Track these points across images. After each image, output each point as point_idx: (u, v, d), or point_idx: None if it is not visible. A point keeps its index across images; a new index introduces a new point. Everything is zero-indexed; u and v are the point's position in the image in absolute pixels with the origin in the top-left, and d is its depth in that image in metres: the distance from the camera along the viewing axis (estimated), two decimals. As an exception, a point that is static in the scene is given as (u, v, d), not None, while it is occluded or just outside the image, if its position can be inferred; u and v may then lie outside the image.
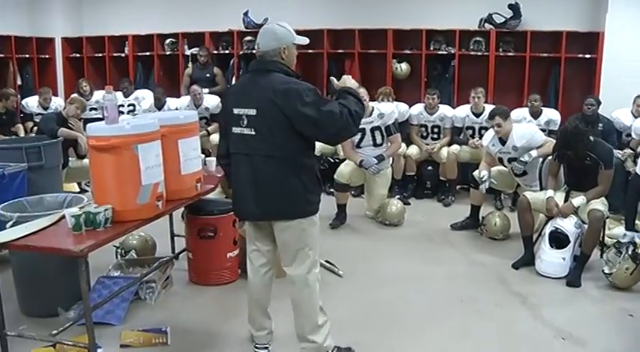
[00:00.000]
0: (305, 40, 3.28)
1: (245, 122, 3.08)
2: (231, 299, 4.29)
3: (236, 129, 3.13)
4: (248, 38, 8.69)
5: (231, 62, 8.89)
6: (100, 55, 9.45)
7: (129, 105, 8.21)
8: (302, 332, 3.30)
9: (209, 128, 7.73)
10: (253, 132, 3.07)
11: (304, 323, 3.30)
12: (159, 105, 7.75)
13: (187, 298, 4.32)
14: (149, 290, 4.20)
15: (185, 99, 7.91)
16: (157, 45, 9.14)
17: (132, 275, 4.33)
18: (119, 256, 4.72)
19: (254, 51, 8.42)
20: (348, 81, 3.28)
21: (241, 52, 8.75)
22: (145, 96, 8.20)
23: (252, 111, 3.06)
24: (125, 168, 3.30)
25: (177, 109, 7.63)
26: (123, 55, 9.38)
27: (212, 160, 4.84)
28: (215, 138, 7.55)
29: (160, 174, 3.50)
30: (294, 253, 3.23)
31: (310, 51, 8.33)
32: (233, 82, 8.66)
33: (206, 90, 8.09)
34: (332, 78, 3.43)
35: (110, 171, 3.32)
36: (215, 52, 8.92)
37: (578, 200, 4.78)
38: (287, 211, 3.15)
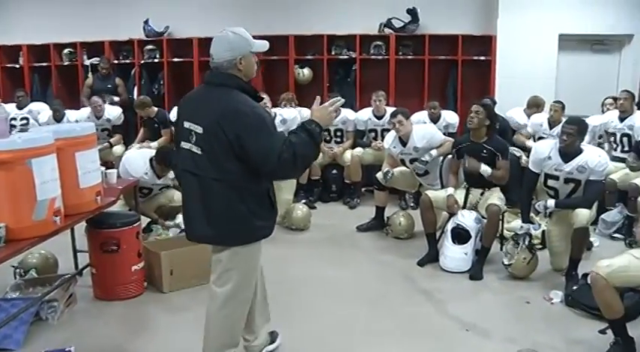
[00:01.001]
0: (265, 46, 2.99)
1: (194, 139, 2.85)
2: (138, 313, 4.22)
3: (185, 145, 2.90)
4: (149, 47, 8.56)
5: (133, 72, 8.69)
6: (-9, 66, 9.02)
7: (22, 119, 7.74)
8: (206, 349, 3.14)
9: (111, 140, 7.56)
10: (200, 152, 2.84)
11: (209, 342, 3.14)
12: (58, 117, 7.47)
13: (92, 315, 4.19)
14: (51, 309, 4.03)
15: (85, 111, 7.68)
16: (54, 55, 8.82)
17: (31, 295, 4.15)
18: (18, 276, 4.51)
19: (155, 60, 8.45)
20: (323, 110, 2.95)
21: (142, 62, 8.58)
22: (40, 110, 7.82)
23: (200, 129, 2.82)
24: (18, 183, 3.17)
25: (77, 122, 7.39)
26: (17, 65, 8.97)
27: (113, 172, 4.74)
28: (118, 150, 7.40)
29: (57, 188, 3.39)
30: (222, 271, 3.03)
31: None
32: (135, 92, 8.49)
33: (117, 98, 7.90)
34: (317, 98, 3.08)
35: (2, 187, 3.16)
36: (115, 61, 8.70)
37: (485, 167, 4.98)
38: (231, 237, 2.94)
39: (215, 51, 2.88)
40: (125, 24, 8.67)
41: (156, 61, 8.53)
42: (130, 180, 5.03)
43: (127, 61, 8.70)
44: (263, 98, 3.40)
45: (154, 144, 7.16)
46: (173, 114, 7.59)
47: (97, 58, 8.52)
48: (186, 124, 2.89)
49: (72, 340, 3.72)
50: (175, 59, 8.49)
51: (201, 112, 2.84)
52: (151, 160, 5.37)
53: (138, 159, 5.43)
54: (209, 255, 4.56)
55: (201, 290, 4.47)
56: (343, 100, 3.15)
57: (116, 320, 4.12)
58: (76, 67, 8.78)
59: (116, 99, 8.03)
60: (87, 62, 8.69)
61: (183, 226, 5.39)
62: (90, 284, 4.48)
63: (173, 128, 7.40)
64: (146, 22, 8.63)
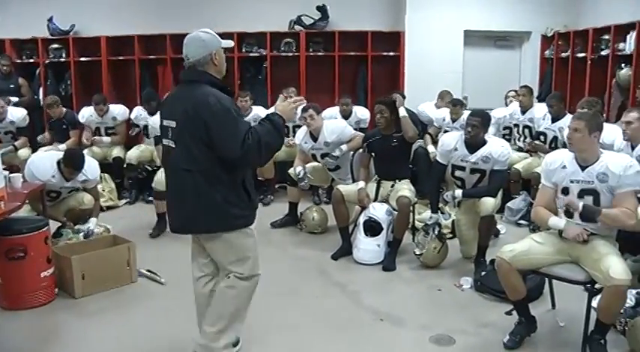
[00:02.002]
0: (230, 43, 3.16)
1: (169, 134, 3.03)
2: (49, 321, 4.09)
3: (165, 141, 3.09)
4: (54, 46, 8.25)
5: (37, 72, 8.36)
6: None
7: None
8: (203, 341, 3.24)
9: (16, 143, 7.26)
10: (173, 145, 3.02)
11: (209, 326, 3.23)
12: (-44, 120, 7.15)
13: (-1, 326, 4.04)
14: (-47, 323, 3.87)
15: (-15, 114, 7.35)
16: (-50, 55, 8.38)
17: None
18: None
19: (61, 59, 8.17)
20: (286, 105, 3.14)
21: (47, 61, 8.28)
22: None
23: (174, 124, 3.00)
24: None
25: (-22, 124, 7.10)
26: None
27: (17, 176, 4.58)
28: (23, 153, 7.12)
29: (-45, 194, 3.27)
30: (223, 266, 3.20)
31: (121, 58, 8.15)
32: (40, 93, 8.20)
33: (15, 99, 7.61)
34: (281, 96, 3.39)
35: None
36: (18, 61, 8.34)
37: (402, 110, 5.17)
38: (207, 225, 3.07)
39: (189, 50, 3.01)
40: (27, 21, 8.33)
41: (62, 60, 8.25)
42: (36, 183, 4.86)
43: (31, 61, 8.36)
44: (233, 92, 3.62)
45: (62, 146, 6.95)
46: (82, 117, 7.43)
47: (-3, 57, 8.15)
48: (165, 122, 3.07)
49: (-23, 354, 3.58)
50: (82, 58, 8.24)
51: (175, 108, 3.02)
52: (58, 163, 5.20)
53: (44, 161, 5.24)
54: (122, 257, 4.54)
55: (115, 294, 4.44)
56: (304, 100, 3.41)
57: (25, 331, 3.96)
58: (-26, 67, 8.37)
59: (14, 99, 7.69)
60: (-15, 61, 8.30)
61: (93, 231, 5.29)
62: (-5, 295, 4.31)
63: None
64: (50, 19, 8.32)
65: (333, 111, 7.06)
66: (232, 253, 3.15)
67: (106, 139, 7.44)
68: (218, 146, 2.90)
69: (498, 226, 5.62)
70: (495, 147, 4.71)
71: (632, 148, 4.36)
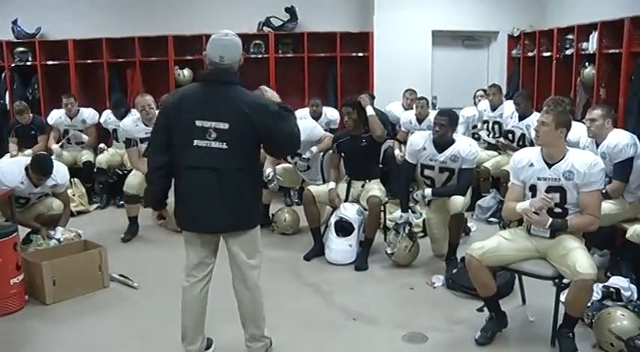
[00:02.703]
0: None
1: (213, 135, 3.01)
2: (20, 328, 4.03)
3: (200, 143, 3.02)
4: (20, 49, 8.13)
5: (3, 76, 8.23)
6: None
7: None
8: (258, 332, 3.36)
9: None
10: (225, 146, 3.02)
11: (260, 324, 3.36)
12: None
13: (-32, 335, 3.97)
14: None
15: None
16: None
17: None
18: None
19: (28, 63, 8.06)
20: (273, 96, 3.38)
21: (13, 65, 8.15)
22: None
23: (224, 125, 3.00)
24: None
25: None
26: None
27: (-15, 181, 4.53)
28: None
29: None
30: (247, 261, 3.26)
31: (89, 61, 8.07)
32: (7, 97, 8.07)
33: None
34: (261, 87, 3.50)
35: None
36: (-18, 64, 8.23)
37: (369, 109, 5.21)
38: (247, 222, 3.21)
39: (227, 53, 3.05)
40: (-9, 25, 8.21)
41: (28, 63, 8.14)
42: (4, 189, 4.80)
43: (-5, 65, 8.26)
44: None
45: (29, 151, 6.86)
46: (51, 118, 7.34)
47: (-40, 60, 8.01)
48: (199, 123, 3.02)
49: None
50: (50, 62, 8.14)
51: (223, 110, 3.02)
52: (26, 169, 5.13)
53: (12, 167, 5.17)
54: (94, 262, 4.50)
55: (87, 299, 4.42)
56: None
57: (-5, 338, 3.92)
58: (-63, 70, 8.23)
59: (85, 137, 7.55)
60: (-52, 65, 8.16)
61: (60, 240, 5.22)
62: (-36, 302, 4.24)
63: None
64: (15, 22, 8.19)
65: (303, 112, 7.06)
66: (253, 246, 3.29)
67: (85, 137, 7.37)
68: (279, 143, 3.18)
69: (469, 224, 5.70)
70: (463, 146, 4.77)
71: (597, 145, 4.45)
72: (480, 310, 3.92)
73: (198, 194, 3.11)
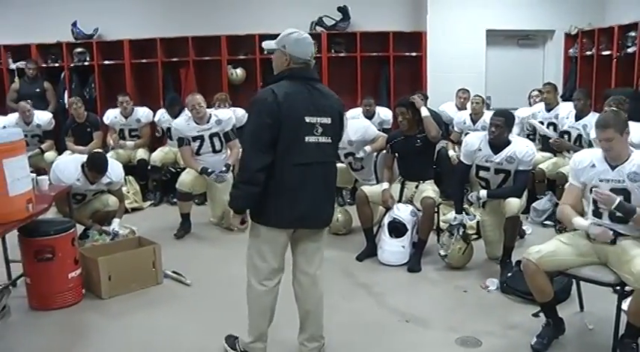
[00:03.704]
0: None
1: (320, 130, 3.10)
2: (77, 321, 4.13)
3: (311, 139, 3.08)
4: (78, 50, 8.35)
5: (62, 76, 8.47)
6: None
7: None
8: (318, 332, 3.38)
9: (43, 146, 7.38)
10: (330, 140, 3.16)
11: (320, 321, 3.39)
12: (-17, 124, 7.24)
13: (28, 326, 4.07)
14: (-17, 323, 3.92)
15: (13, 117, 7.42)
16: (-24, 59, 8.50)
17: (-38, 309, 4.03)
18: (-53, 290, 4.37)
19: (85, 63, 8.26)
20: None
21: (72, 65, 8.37)
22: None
23: (327, 120, 3.12)
24: (-58, 193, 3.08)
25: (4, 127, 7.17)
26: (-64, 71, 8.61)
27: (44, 179, 4.63)
28: (50, 156, 7.20)
29: (-16, 197, 3.31)
30: (320, 255, 3.35)
31: (144, 60, 8.21)
32: (65, 96, 8.27)
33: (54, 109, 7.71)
34: None
35: None
36: (44, 65, 8.45)
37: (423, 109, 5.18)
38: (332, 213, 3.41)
39: (312, 50, 3.15)
40: (52, 26, 8.41)
41: (86, 64, 8.34)
42: (62, 186, 4.91)
43: (56, 65, 8.47)
44: None
45: (86, 149, 7.01)
46: (107, 118, 7.49)
47: (24, 62, 8.23)
48: (308, 119, 3.07)
49: (7, 353, 3.62)
50: (106, 62, 8.32)
51: (325, 105, 3.13)
52: (82, 166, 5.25)
53: (69, 165, 5.29)
54: (148, 258, 4.57)
55: (141, 295, 4.47)
56: None
57: (54, 330, 4.01)
58: (1, 71, 8.50)
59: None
60: (12, 66, 8.39)
61: (118, 232, 5.33)
62: (25, 295, 4.34)
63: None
64: (74, 24, 8.42)
65: (356, 112, 7.06)
66: (323, 243, 3.38)
67: (130, 144, 7.49)
68: (340, 137, 3.34)
69: (524, 227, 5.59)
70: (520, 147, 4.67)
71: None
72: (536, 315, 3.82)
73: (310, 189, 3.12)
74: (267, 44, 3.22)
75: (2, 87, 8.46)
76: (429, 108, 5.39)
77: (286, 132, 3.01)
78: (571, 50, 8.05)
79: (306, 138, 3.07)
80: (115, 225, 5.41)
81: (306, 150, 3.07)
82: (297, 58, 3.09)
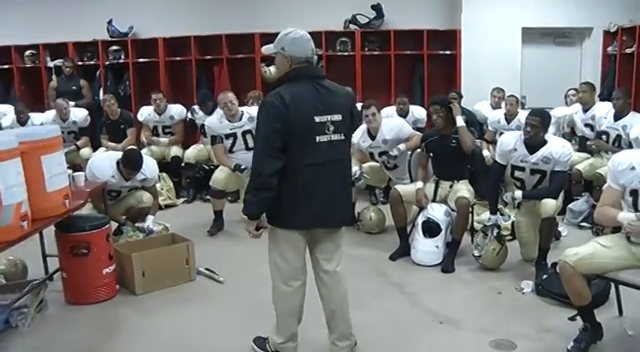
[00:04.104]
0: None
1: (331, 128, 3.07)
2: (111, 316, 4.19)
3: (322, 138, 3.05)
4: (114, 48, 8.48)
5: (98, 73, 8.60)
6: (-48, 69, 8.80)
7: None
8: (347, 330, 3.37)
9: (78, 142, 7.48)
10: (343, 137, 3.13)
11: (347, 317, 3.37)
12: (22, 121, 7.36)
13: (64, 320, 4.14)
14: (21, 316, 3.95)
15: (50, 114, 7.58)
16: (16, 57, 8.66)
17: (0, 302, 4.08)
18: (-14, 283, 4.45)
19: (120, 61, 8.36)
20: None
21: (107, 63, 8.49)
22: (4, 113, 7.72)
23: (338, 117, 3.08)
24: (-18, 189, 3.13)
25: (42, 124, 7.30)
26: (-22, 69, 8.80)
27: (80, 175, 4.68)
28: (85, 152, 7.30)
29: (23, 193, 3.35)
30: (339, 253, 3.36)
31: (178, 58, 8.28)
32: (101, 94, 8.37)
33: (72, 103, 7.79)
34: None
35: (-35, 193, 3.13)
36: (80, 63, 8.59)
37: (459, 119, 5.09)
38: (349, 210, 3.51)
39: (311, 48, 3.13)
40: (88, 24, 8.55)
41: (121, 61, 8.45)
42: (98, 182, 4.97)
43: (92, 62, 8.61)
44: None
45: (120, 146, 7.09)
46: (140, 115, 7.57)
47: (61, 60, 8.38)
48: (318, 119, 3.03)
49: (44, 346, 3.70)
50: (141, 60, 8.41)
51: (334, 102, 3.09)
52: (117, 163, 5.30)
53: (104, 162, 5.36)
54: (181, 255, 4.60)
55: (174, 291, 4.50)
56: None
57: (88, 324, 4.07)
58: (39, 69, 8.65)
59: (72, 103, 7.80)
60: (50, 64, 8.57)
61: (152, 229, 5.37)
62: (61, 289, 4.43)
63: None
64: (110, 22, 8.55)
65: (390, 110, 7.03)
66: (342, 242, 3.38)
67: (164, 140, 7.55)
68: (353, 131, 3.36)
69: (559, 228, 5.49)
70: (556, 148, 4.58)
71: None
72: (572, 319, 3.75)
73: (324, 189, 3.11)
74: (267, 49, 3.21)
75: (40, 84, 8.60)
76: (462, 107, 5.34)
77: (297, 134, 3.00)
78: (610, 48, 7.89)
79: (318, 138, 3.04)
80: (149, 221, 5.47)
81: (318, 150, 3.05)
82: (297, 58, 3.07)
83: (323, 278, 3.31)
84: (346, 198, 3.31)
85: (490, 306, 4.22)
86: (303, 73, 3.08)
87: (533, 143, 4.60)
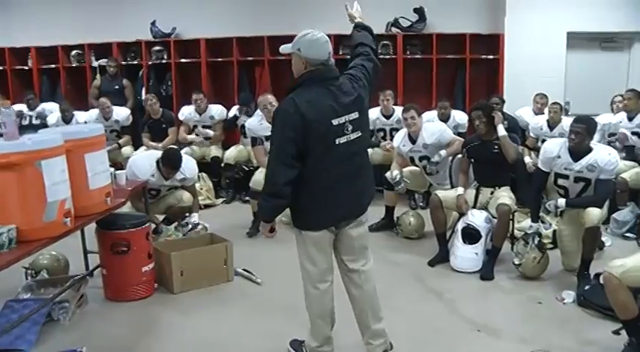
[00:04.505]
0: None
1: (350, 128, 3.07)
2: (149, 314, 4.24)
3: (342, 139, 3.04)
4: (157, 48, 8.58)
5: (141, 73, 8.72)
6: (1, 68, 9.02)
7: (36, 118, 7.87)
8: (380, 326, 3.37)
9: (120, 141, 7.58)
10: (360, 133, 3.12)
11: (378, 314, 3.38)
12: (66, 119, 7.50)
13: (103, 316, 4.21)
14: (62, 310, 4.04)
15: (94, 112, 7.70)
16: (63, 57, 8.84)
17: (43, 296, 4.17)
18: (29, 277, 4.53)
19: (163, 61, 8.46)
20: (360, 13, 3.60)
21: (150, 63, 8.60)
22: (50, 111, 7.90)
23: (355, 115, 3.08)
24: (28, 185, 3.20)
25: (85, 123, 7.43)
26: (26, 67, 9.01)
27: (122, 173, 4.74)
28: (127, 151, 7.40)
29: (67, 190, 3.42)
30: (366, 253, 3.36)
31: (220, 59, 8.34)
32: (143, 93, 8.47)
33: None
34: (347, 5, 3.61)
35: (12, 189, 3.18)
36: (123, 62, 8.71)
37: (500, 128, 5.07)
38: (373, 191, 3.45)
39: (328, 51, 3.09)
40: (132, 25, 8.69)
41: (163, 61, 8.55)
42: (139, 181, 5.02)
43: (135, 62, 8.73)
44: None
45: (161, 145, 7.18)
46: (181, 114, 7.64)
47: (105, 59, 8.52)
48: (336, 121, 3.01)
49: (83, 340, 3.74)
50: (183, 60, 8.50)
51: (348, 102, 3.07)
52: (157, 162, 5.36)
53: (144, 161, 5.42)
54: (220, 255, 4.62)
55: (212, 292, 4.53)
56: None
57: (126, 321, 4.13)
58: (84, 68, 8.81)
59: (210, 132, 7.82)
60: (95, 63, 8.71)
61: (198, 224, 5.45)
62: (100, 285, 4.51)
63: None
64: (153, 23, 8.66)
65: (431, 114, 6.95)
66: (367, 240, 3.39)
67: (209, 132, 7.59)
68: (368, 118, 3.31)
69: (603, 238, 5.36)
70: (602, 155, 4.48)
71: None
72: (617, 333, 3.64)
73: (345, 186, 3.12)
74: (284, 48, 3.16)
75: (85, 83, 8.75)
76: (504, 113, 5.26)
77: (315, 140, 2.98)
78: (660, 54, 7.71)
79: (337, 141, 3.03)
80: (195, 217, 5.57)
81: (338, 151, 3.04)
82: (313, 60, 3.04)
83: (351, 277, 3.31)
84: (368, 185, 3.31)
85: (529, 316, 4.14)
86: (317, 77, 3.05)
87: (578, 150, 4.51)
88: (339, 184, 3.09)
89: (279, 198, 3.04)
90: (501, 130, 5.01)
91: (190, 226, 5.45)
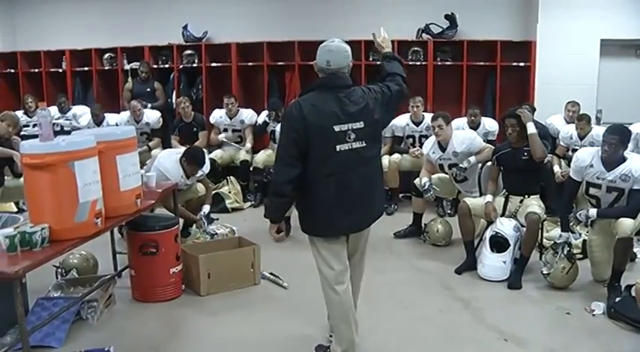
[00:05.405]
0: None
1: (352, 136, 3.11)
2: (176, 315, 4.27)
3: (343, 146, 3.10)
4: (188, 52, 8.65)
5: (172, 76, 8.81)
6: (36, 70, 9.16)
7: (66, 120, 8.02)
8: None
9: (150, 143, 7.66)
10: (364, 144, 3.15)
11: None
12: (97, 121, 7.61)
13: (130, 316, 4.25)
14: (91, 309, 4.10)
15: (125, 115, 7.80)
16: (96, 60, 8.97)
17: (73, 295, 4.24)
18: (59, 276, 4.61)
19: (194, 65, 8.54)
20: (388, 41, 3.65)
21: (181, 66, 8.68)
22: (81, 113, 8.03)
23: (360, 124, 3.12)
24: (61, 185, 3.25)
25: (117, 125, 7.54)
26: (60, 70, 9.14)
27: (152, 175, 4.78)
28: (156, 153, 7.46)
29: (98, 190, 3.46)
30: (364, 250, 3.49)
31: (250, 63, 8.39)
32: (174, 96, 8.57)
33: (149, 105, 8.00)
34: (374, 34, 3.64)
35: (46, 189, 3.25)
36: (155, 66, 8.81)
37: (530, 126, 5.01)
38: (382, 206, 3.56)
39: (335, 59, 3.12)
40: (164, 29, 8.78)
41: (194, 65, 8.62)
42: (169, 183, 5.06)
43: (166, 66, 8.81)
44: None
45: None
46: (212, 118, 7.71)
47: (137, 63, 8.62)
48: (338, 128, 3.08)
49: (111, 340, 3.79)
50: (213, 64, 8.57)
51: (354, 111, 3.11)
52: (180, 161, 5.45)
53: (172, 163, 5.47)
54: (247, 259, 4.64)
55: (239, 294, 4.55)
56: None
57: (154, 322, 4.17)
58: (117, 71, 8.92)
59: (149, 105, 8.05)
60: (127, 66, 8.82)
61: (210, 216, 5.62)
62: (129, 286, 4.55)
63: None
64: (185, 27, 8.75)
65: (461, 121, 6.92)
66: (365, 248, 3.49)
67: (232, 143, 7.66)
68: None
69: (635, 249, 5.28)
70: (636, 165, 4.39)
71: None
72: (647, 346, 3.61)
73: (351, 195, 3.16)
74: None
75: (117, 86, 8.87)
76: (535, 121, 5.21)
77: (316, 143, 3.06)
78: (696, 62, 7.58)
79: (338, 147, 3.08)
80: (206, 209, 5.70)
81: (339, 158, 3.09)
82: (318, 67, 3.18)
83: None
84: (376, 197, 3.36)
85: (558, 326, 4.09)
86: (327, 83, 3.14)
87: (611, 160, 4.45)
88: (342, 194, 3.14)
89: (279, 197, 3.16)
90: (531, 128, 4.97)
91: (211, 234, 5.51)
